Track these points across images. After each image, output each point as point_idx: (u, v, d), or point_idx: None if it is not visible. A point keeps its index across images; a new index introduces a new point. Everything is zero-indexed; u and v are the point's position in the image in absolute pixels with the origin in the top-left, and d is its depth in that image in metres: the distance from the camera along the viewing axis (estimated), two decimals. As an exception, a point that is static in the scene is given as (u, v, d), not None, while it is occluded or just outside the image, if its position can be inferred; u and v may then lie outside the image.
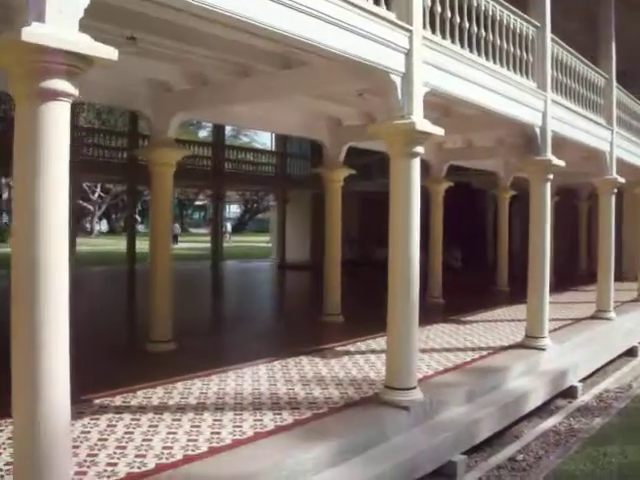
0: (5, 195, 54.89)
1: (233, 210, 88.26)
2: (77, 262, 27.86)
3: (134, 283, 25.02)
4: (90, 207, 66.49)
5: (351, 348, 11.67)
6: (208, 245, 41.73)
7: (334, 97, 12.18)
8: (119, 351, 11.17)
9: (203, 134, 64.23)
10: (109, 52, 4.53)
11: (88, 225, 69.41)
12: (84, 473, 5.79)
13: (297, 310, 18.55)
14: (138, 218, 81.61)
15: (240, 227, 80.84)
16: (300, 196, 33.01)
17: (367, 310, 16.19)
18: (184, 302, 11.60)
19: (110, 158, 27.41)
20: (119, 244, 42.51)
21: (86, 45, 4.42)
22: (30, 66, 4.35)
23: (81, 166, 25.98)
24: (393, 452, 7.38)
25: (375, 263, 27.51)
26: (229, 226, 66.61)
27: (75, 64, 4.46)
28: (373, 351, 11.41)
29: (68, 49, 4.33)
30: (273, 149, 37.55)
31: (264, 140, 69.68)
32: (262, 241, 57.63)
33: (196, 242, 56.31)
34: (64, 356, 4.60)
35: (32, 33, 4.17)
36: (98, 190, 64.22)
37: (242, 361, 10.27)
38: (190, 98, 10.89)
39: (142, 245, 38.00)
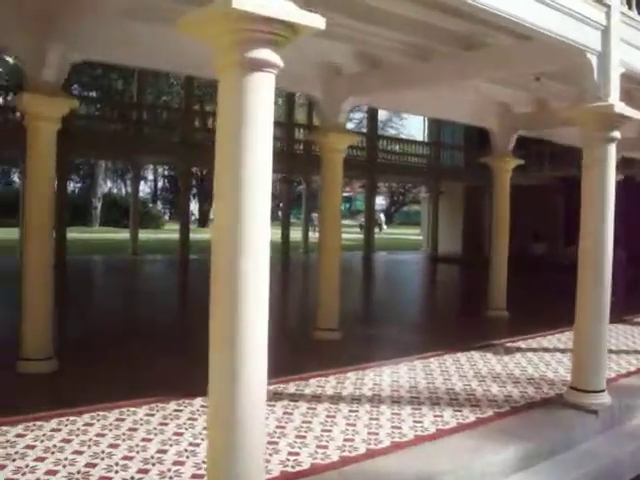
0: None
1: (379, 202, 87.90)
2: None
3: (291, 270, 25.22)
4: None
5: (522, 345, 11.11)
6: (354, 236, 41.86)
7: (508, 81, 11.54)
8: (288, 338, 11.08)
9: (349, 125, 64.12)
10: (318, 21, 4.27)
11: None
12: (267, 461, 5.62)
13: (458, 303, 18.03)
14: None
15: (386, 219, 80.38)
16: (452, 188, 32.37)
17: (532, 306, 15.54)
18: (343, 292, 11.33)
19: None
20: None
21: (296, 13, 4.19)
22: (237, 36, 4.16)
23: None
24: (582, 459, 6.84)
25: (531, 258, 26.61)
26: (383, 217, 66.34)
27: (282, 33, 4.23)
28: (546, 349, 10.83)
29: (278, 17, 4.11)
30: (425, 140, 36.88)
31: (411, 131, 69.05)
32: (410, 233, 57.00)
33: (343, 233, 56.26)
34: (263, 335, 4.41)
35: (243, 1, 3.97)
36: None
37: (411, 353, 9.95)
38: (362, 82, 10.60)
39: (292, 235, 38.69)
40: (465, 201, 32.49)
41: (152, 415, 6.79)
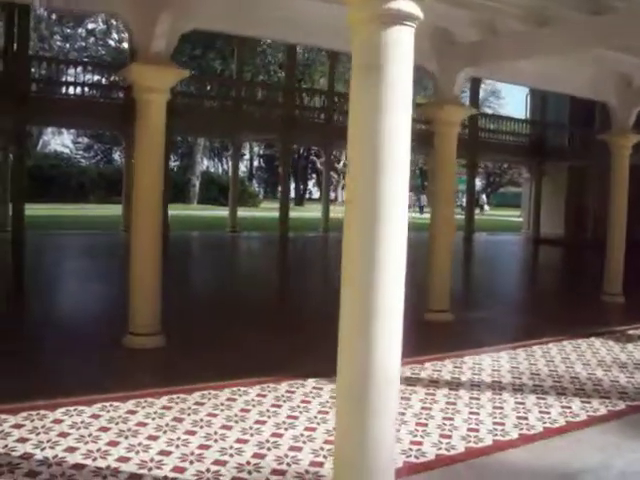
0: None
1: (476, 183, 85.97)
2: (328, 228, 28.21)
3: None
4: (334, 175, 67.71)
5: (644, 332, 10.41)
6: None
7: (632, 50, 10.72)
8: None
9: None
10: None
11: (332, 193, 70.89)
12: (388, 450, 5.26)
13: (568, 286, 17.21)
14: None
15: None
16: (555, 168, 31.17)
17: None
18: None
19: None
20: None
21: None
22: (374, -15, 3.76)
23: (336, 131, 26.11)
24: None
25: (635, 243, 25.31)
26: (485, 198, 64.91)
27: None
28: (673, 339, 10.10)
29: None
30: (527, 118, 35.55)
31: (509, 111, 67.24)
32: (508, 215, 55.54)
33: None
34: (398, 316, 4.04)
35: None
36: (343, 159, 65.13)
37: (527, 337, 9.43)
38: (478, 51, 10.00)
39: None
40: (568, 181, 31.25)
41: (264, 396, 6.52)
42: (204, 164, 56.95)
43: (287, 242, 24.56)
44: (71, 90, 21.45)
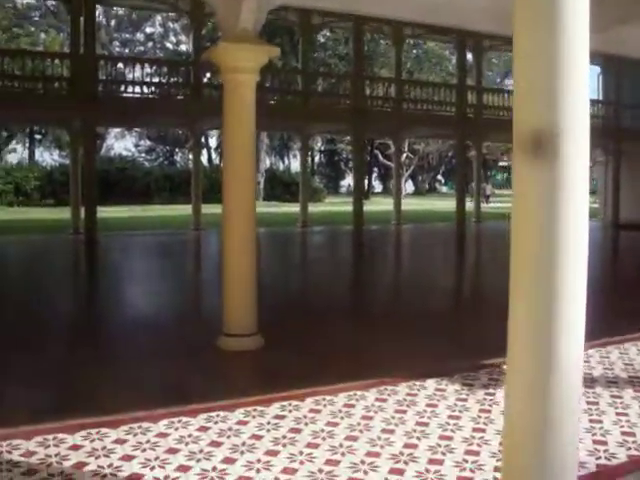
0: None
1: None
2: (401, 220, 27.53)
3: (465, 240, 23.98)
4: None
5: None
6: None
7: None
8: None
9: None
10: None
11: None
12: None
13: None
14: (441, 179, 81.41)
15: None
16: (633, 149, 29.68)
17: None
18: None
19: (438, 112, 26.15)
20: (423, 204, 41.06)
21: None
22: None
23: (406, 119, 25.33)
24: None
25: None
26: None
27: None
28: None
29: None
30: (600, 98, 33.88)
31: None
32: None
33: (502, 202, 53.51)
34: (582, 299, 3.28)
35: None
36: (406, 151, 64.21)
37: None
38: None
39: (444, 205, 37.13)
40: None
41: (384, 400, 5.83)
42: (267, 161, 56.64)
43: (363, 235, 23.80)
44: (138, 89, 21.08)
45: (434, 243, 23.70)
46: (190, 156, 61.77)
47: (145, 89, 21.31)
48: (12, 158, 52.99)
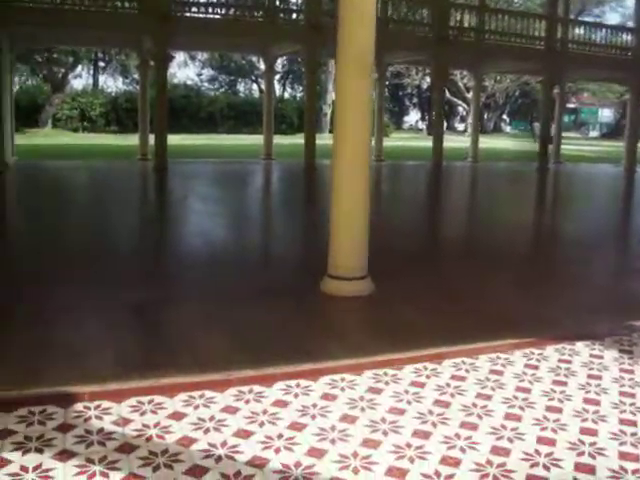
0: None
1: (606, 114, 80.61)
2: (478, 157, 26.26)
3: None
4: (465, 106, 64.84)
5: None
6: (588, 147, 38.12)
7: None
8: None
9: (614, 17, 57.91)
10: None
11: (461, 124, 67.98)
12: None
13: None
14: (506, 118, 78.77)
15: (613, 133, 73.32)
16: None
17: None
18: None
19: (526, 44, 24.31)
20: (488, 143, 39.04)
21: None
22: None
23: (486, 53, 23.71)
24: None
25: None
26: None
27: None
28: None
29: None
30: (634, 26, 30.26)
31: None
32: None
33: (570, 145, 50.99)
34: None
35: None
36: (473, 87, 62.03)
37: None
38: None
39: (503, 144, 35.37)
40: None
41: (535, 367, 4.81)
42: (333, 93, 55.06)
43: (444, 171, 22.52)
44: (211, 10, 19.90)
45: (526, 181, 22.37)
46: (254, 86, 60.96)
47: (218, 10, 20.13)
48: (77, 84, 52.44)
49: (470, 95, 63.12)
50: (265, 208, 14.26)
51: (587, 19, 50.92)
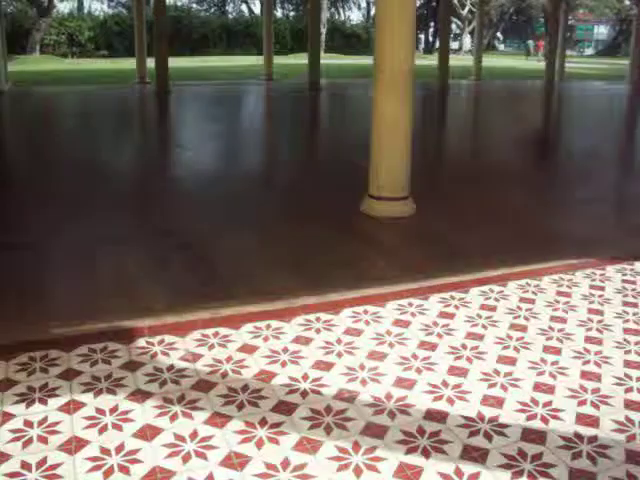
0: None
1: (600, 32, 79.36)
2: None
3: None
4: (459, 23, 63.68)
5: None
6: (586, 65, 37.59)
7: None
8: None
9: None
10: None
11: (454, 42, 66.69)
12: None
13: None
14: (500, 37, 77.47)
15: (611, 51, 72.19)
16: None
17: None
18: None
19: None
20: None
21: None
22: None
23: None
24: None
25: None
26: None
27: None
28: None
29: None
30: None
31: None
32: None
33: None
34: None
35: None
36: (468, 4, 60.79)
37: None
38: None
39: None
40: None
41: (601, 288, 4.62)
42: (327, 12, 53.72)
43: (445, 90, 21.94)
44: None
45: (538, 101, 21.89)
46: (244, 7, 59.43)
47: None
48: (63, 8, 50.93)
49: (464, 12, 62.05)
50: (293, 130, 13.70)
51: None
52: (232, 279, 4.59)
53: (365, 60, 28.59)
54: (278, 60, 27.29)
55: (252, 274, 4.69)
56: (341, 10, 66.33)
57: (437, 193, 7.38)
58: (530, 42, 60.85)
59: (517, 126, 14.06)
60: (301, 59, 28.57)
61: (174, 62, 27.75)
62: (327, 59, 33.73)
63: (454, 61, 27.99)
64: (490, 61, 36.94)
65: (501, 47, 75.07)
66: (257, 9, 58.73)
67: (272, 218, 6.32)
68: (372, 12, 69.85)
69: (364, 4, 66.95)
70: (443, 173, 8.84)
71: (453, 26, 66.75)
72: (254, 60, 30.11)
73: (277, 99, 19.46)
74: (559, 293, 4.50)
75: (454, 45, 68.58)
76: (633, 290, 4.59)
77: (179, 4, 55.40)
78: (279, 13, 59.55)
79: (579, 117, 16.90)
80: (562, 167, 9.67)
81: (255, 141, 11.93)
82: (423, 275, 4.63)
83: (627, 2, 56.05)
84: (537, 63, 41.78)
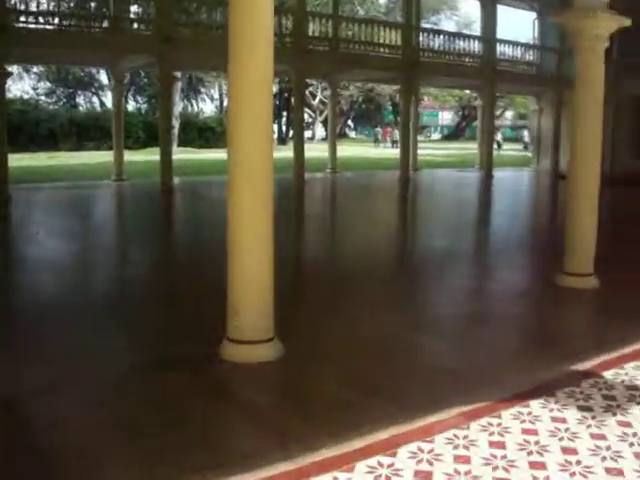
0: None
1: (446, 117, 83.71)
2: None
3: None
4: (311, 113, 65.11)
5: None
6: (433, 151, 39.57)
7: None
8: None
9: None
10: None
11: (309, 131, 68.05)
12: None
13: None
14: (351, 124, 79.87)
15: (454, 135, 75.98)
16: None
17: None
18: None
19: (383, 53, 24.27)
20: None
21: None
22: None
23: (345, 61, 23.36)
24: None
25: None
26: (500, 135, 61.34)
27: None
28: None
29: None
30: (535, 43, 31.92)
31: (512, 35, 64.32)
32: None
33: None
34: None
35: None
36: (319, 95, 62.36)
37: None
38: None
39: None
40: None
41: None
42: (180, 105, 53.32)
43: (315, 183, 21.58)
44: (51, 20, 18.18)
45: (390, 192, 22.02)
46: (95, 99, 58.19)
47: (57, 20, 18.39)
48: None
49: (315, 102, 63.55)
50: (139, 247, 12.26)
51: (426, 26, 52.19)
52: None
53: (220, 154, 28.04)
54: (130, 157, 26.43)
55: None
56: (194, 102, 66.30)
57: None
58: (378, 130, 63.62)
59: (379, 229, 13.93)
60: (154, 154, 27.79)
61: (18, 160, 26.27)
62: (181, 154, 33.20)
63: (309, 152, 28.25)
64: (343, 149, 37.47)
65: (352, 134, 77.51)
66: (109, 102, 57.69)
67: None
68: (225, 103, 70.42)
69: (217, 95, 67.35)
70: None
71: (305, 115, 68.31)
72: (105, 156, 28.96)
73: (122, 205, 18.55)
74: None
75: (307, 134, 69.84)
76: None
77: (26, 97, 53.59)
78: (131, 106, 58.70)
79: (439, 212, 17.15)
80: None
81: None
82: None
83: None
84: (387, 150, 43.92)
